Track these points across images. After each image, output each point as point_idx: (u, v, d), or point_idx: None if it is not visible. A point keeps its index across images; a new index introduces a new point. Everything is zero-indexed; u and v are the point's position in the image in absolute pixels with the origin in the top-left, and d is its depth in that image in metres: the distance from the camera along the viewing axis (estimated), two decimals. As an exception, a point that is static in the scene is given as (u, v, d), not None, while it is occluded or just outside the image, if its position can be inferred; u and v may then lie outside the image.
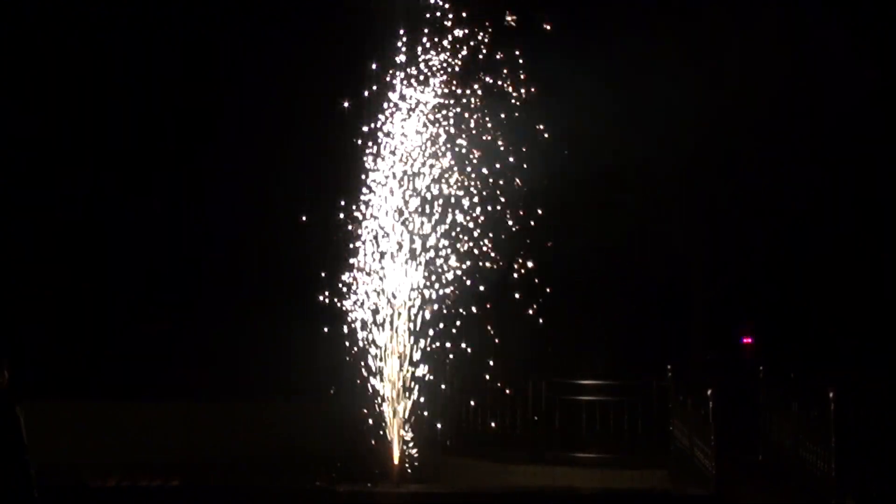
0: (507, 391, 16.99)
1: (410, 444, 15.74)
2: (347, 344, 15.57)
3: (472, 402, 17.19)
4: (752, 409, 15.58)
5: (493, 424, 17.11)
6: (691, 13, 19.33)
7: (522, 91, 16.39)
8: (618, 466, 15.64)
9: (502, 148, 16.29)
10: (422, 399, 15.84)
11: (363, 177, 15.80)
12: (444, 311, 15.75)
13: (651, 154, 19.94)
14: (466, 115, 16.04)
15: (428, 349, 15.62)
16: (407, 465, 15.50)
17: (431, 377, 15.93)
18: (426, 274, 15.62)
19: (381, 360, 15.47)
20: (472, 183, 16.01)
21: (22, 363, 8.81)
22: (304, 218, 16.50)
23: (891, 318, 19.55)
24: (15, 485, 7.82)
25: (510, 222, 16.37)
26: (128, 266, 21.32)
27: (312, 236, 16.86)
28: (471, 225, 15.96)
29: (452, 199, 15.87)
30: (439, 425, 16.91)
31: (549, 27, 16.68)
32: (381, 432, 15.61)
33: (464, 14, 16.03)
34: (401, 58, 15.83)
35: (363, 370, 15.54)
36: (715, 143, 20.02)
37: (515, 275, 16.66)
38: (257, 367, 19.32)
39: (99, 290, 21.04)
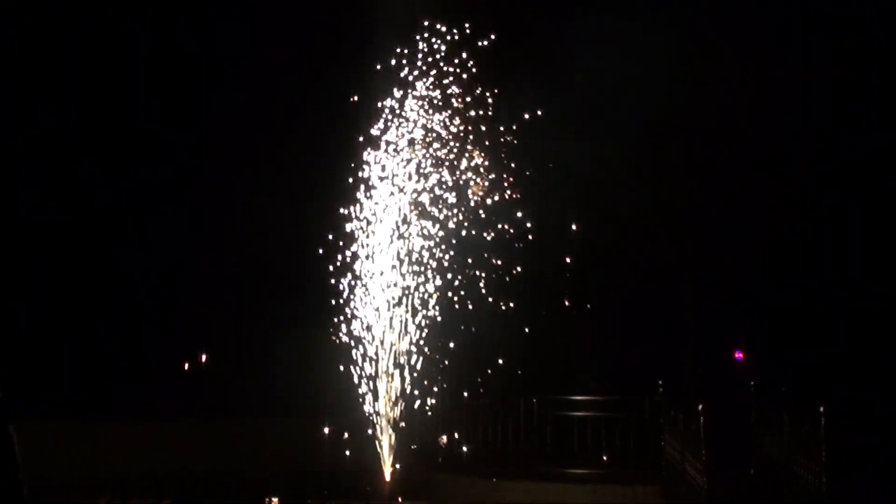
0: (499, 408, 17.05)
1: (402, 461, 15.75)
2: (339, 360, 15.62)
3: (463, 419, 17.25)
4: (744, 423, 15.59)
5: (484, 441, 17.15)
6: (683, 21, 19.39)
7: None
8: (610, 482, 15.64)
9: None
10: (414, 415, 15.86)
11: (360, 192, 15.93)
12: (438, 324, 15.81)
13: (642, 167, 20.00)
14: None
15: (421, 365, 15.66)
16: (399, 482, 15.49)
17: (424, 393, 15.97)
18: (419, 287, 15.70)
19: (373, 376, 15.50)
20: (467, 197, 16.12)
21: (14, 381, 8.78)
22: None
23: (881, 330, 19.59)
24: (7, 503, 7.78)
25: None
26: (122, 282, 21.25)
27: (306, 251, 16.89)
28: (462, 233, 16.07)
29: (445, 214, 15.97)
30: (430, 442, 16.96)
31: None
32: (373, 449, 15.61)
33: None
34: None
35: (355, 387, 15.57)
36: (706, 153, 20.11)
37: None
38: (250, 384, 19.28)
39: (87, 308, 20.96)
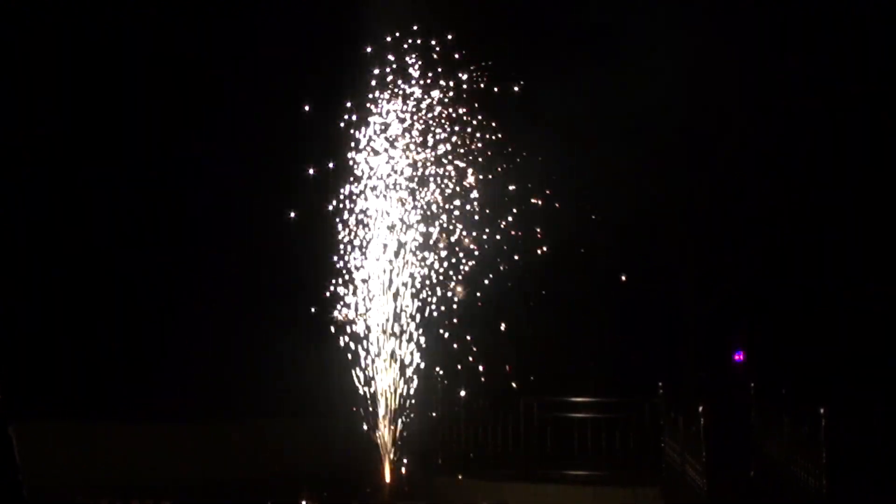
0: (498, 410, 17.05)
1: (402, 462, 15.75)
2: (339, 361, 15.61)
3: (463, 421, 17.25)
4: (744, 425, 15.61)
5: (484, 442, 17.15)
6: (684, 22, 19.41)
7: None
8: (610, 484, 15.67)
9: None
10: (413, 416, 15.86)
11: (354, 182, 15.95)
12: (437, 328, 15.81)
13: (641, 169, 20.00)
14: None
15: (421, 366, 15.66)
16: (398, 483, 15.49)
17: (424, 395, 15.97)
18: (418, 288, 15.71)
19: (372, 377, 15.49)
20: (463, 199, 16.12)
21: (14, 382, 8.77)
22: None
23: (881, 330, 19.60)
24: (7, 505, 7.77)
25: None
26: (116, 283, 21.24)
27: (303, 251, 16.89)
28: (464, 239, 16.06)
29: (445, 214, 15.98)
30: (430, 443, 16.96)
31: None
32: (373, 450, 15.61)
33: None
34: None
35: (355, 388, 15.56)
36: (706, 157, 20.13)
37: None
38: (248, 385, 19.26)
39: (87, 308, 20.94)
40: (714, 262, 21.12)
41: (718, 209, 20.76)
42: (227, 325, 20.29)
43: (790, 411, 13.42)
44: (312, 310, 15.95)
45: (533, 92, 18.00)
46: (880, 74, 19.80)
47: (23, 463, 7.72)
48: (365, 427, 15.64)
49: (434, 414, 17.01)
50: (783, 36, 20.14)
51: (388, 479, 15.53)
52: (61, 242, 21.02)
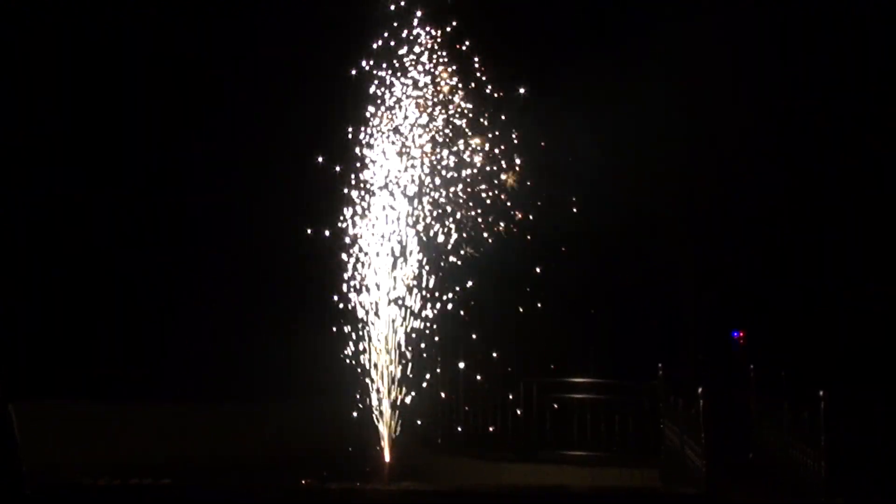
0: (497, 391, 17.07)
1: (402, 443, 15.74)
2: (339, 342, 15.63)
3: (463, 402, 17.26)
4: (743, 408, 15.60)
5: (484, 423, 17.16)
6: (683, 22, 19.47)
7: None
8: (609, 465, 15.63)
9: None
10: (414, 397, 15.87)
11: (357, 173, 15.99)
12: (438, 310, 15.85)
13: (642, 161, 20.03)
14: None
15: (421, 348, 15.68)
16: (398, 464, 15.48)
17: (424, 376, 15.99)
18: (422, 272, 15.73)
19: (372, 358, 15.50)
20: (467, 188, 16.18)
21: (13, 363, 8.80)
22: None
23: (881, 330, 19.59)
24: (6, 483, 7.79)
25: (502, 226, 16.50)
26: (120, 264, 21.26)
27: (307, 233, 16.92)
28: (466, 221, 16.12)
29: (449, 203, 16.02)
30: (431, 424, 16.98)
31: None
32: (373, 430, 15.60)
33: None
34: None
35: (355, 368, 15.57)
36: (706, 146, 20.17)
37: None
38: (249, 366, 19.28)
39: (91, 288, 20.96)
40: (714, 262, 21.10)
41: (718, 209, 20.76)
42: (226, 325, 20.31)
43: (789, 395, 13.43)
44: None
45: (534, 92, 18.07)
46: (880, 74, 19.82)
47: (22, 441, 7.74)
48: (366, 407, 15.63)
49: (435, 395, 17.00)
50: (783, 36, 20.18)
51: (388, 459, 15.52)
52: (61, 242, 21.04)
